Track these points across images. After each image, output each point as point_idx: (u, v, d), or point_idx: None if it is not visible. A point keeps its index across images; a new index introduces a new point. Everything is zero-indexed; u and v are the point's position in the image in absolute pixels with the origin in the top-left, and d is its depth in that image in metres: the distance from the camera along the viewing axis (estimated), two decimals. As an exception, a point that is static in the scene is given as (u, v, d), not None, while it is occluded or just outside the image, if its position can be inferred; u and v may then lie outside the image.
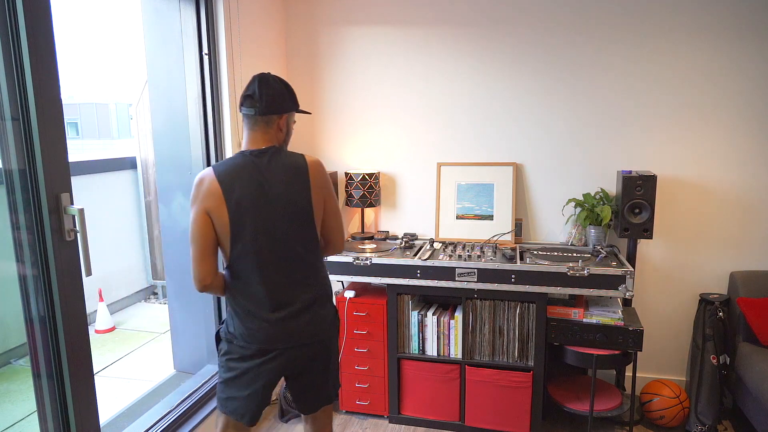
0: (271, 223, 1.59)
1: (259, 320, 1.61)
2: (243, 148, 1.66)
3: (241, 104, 1.64)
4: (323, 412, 1.86)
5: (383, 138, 3.04)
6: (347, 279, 2.68)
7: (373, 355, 2.73)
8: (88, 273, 1.57)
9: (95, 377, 1.71)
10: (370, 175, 2.92)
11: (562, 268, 2.38)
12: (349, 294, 2.72)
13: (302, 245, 1.64)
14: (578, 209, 2.77)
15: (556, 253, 2.60)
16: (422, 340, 2.66)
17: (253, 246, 1.58)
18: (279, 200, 1.59)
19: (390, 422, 2.76)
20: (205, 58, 2.41)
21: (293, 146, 2.18)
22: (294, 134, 3.17)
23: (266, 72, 1.66)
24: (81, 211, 1.53)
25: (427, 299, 2.82)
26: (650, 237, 2.55)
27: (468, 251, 2.66)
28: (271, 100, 1.61)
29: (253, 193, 1.57)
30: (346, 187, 2.96)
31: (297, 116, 2.84)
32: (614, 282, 2.35)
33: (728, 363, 2.59)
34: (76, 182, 1.59)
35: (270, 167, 1.60)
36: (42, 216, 1.48)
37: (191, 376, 2.63)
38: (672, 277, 2.80)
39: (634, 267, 2.61)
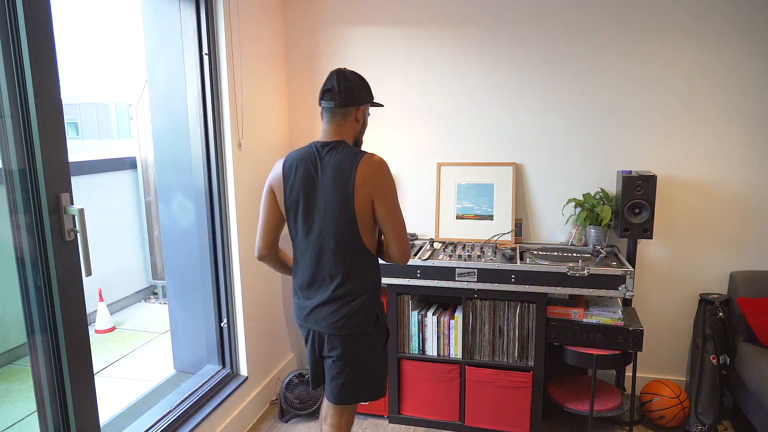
0: (313, 213, 1.70)
1: (297, 299, 1.81)
2: (317, 139, 1.75)
3: (321, 98, 1.72)
4: (339, 410, 1.83)
5: (383, 138, 3.04)
6: (347, 279, 2.67)
7: (373, 355, 2.73)
8: (88, 273, 1.57)
9: (95, 377, 1.71)
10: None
11: (562, 268, 2.38)
12: (349, 294, 2.71)
13: (336, 240, 1.68)
14: (578, 209, 2.77)
15: (556, 253, 2.60)
16: (422, 340, 2.66)
17: (297, 231, 1.74)
18: (323, 193, 1.67)
19: (390, 422, 2.76)
20: (205, 58, 2.41)
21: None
22: (296, 134, 3.18)
23: (342, 67, 1.75)
24: (81, 211, 1.53)
25: (427, 299, 2.82)
26: (650, 237, 2.55)
27: (468, 251, 2.66)
28: (349, 92, 1.69)
29: (304, 182, 1.69)
30: (346, 187, 2.95)
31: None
32: (614, 282, 2.35)
33: (728, 363, 2.59)
34: (76, 182, 1.59)
35: (326, 160, 1.68)
36: (42, 216, 1.48)
37: (191, 376, 2.63)
38: (672, 277, 2.80)
39: (634, 267, 2.61)
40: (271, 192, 1.77)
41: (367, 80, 1.78)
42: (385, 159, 1.72)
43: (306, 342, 1.84)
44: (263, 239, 1.81)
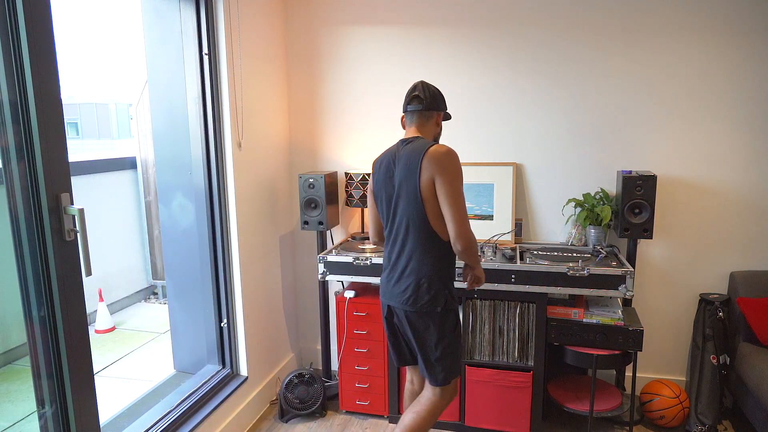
0: (392, 200, 1.94)
1: (382, 276, 2.05)
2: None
3: (408, 103, 1.97)
4: (421, 379, 2.10)
5: (383, 138, 3.04)
6: (347, 279, 2.68)
7: (373, 355, 2.73)
8: (88, 273, 1.57)
9: (95, 377, 1.71)
10: (371, 175, 2.92)
11: (562, 268, 2.38)
12: (349, 294, 2.72)
13: (408, 223, 1.89)
14: (578, 209, 2.77)
15: (556, 253, 2.60)
16: (422, 340, 2.66)
17: (383, 217, 2.01)
18: (398, 181, 1.90)
19: (390, 422, 2.76)
20: (205, 58, 2.41)
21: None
22: (296, 134, 3.18)
23: (422, 80, 2.06)
24: (81, 211, 1.53)
25: (427, 299, 2.82)
26: (650, 237, 2.55)
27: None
28: (433, 99, 1.96)
29: (385, 173, 1.96)
30: (346, 187, 2.96)
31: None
32: (614, 282, 2.35)
33: (728, 363, 2.59)
34: (76, 182, 1.59)
35: (402, 152, 1.92)
36: (42, 216, 1.48)
37: (191, 376, 2.63)
38: (672, 277, 2.80)
39: (634, 267, 2.61)
40: (370, 188, 2.08)
41: (440, 91, 2.03)
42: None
43: (384, 318, 2.06)
44: (373, 229, 2.14)
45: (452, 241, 1.84)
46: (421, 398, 2.03)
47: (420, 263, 1.88)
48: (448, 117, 2.08)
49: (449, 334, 1.93)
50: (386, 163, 1.96)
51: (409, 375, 2.19)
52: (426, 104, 1.95)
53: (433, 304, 1.88)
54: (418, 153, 1.84)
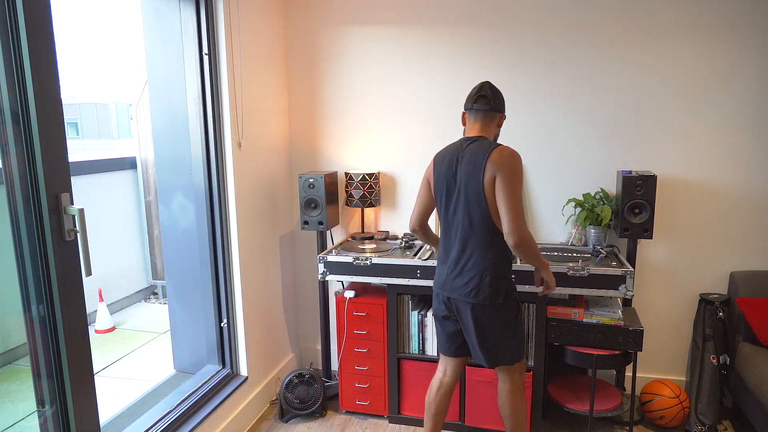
0: (453, 195, 2.02)
1: (438, 268, 2.13)
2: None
3: (474, 102, 2.03)
4: (498, 370, 2.13)
5: (383, 138, 3.04)
6: (347, 279, 2.68)
7: (373, 355, 2.74)
8: (88, 273, 1.57)
9: (95, 377, 1.71)
10: (370, 175, 2.92)
11: (562, 268, 2.38)
12: (349, 294, 2.72)
13: (469, 218, 1.98)
14: (578, 209, 2.77)
15: (556, 253, 2.60)
16: (422, 340, 2.66)
17: (442, 210, 2.08)
18: (461, 176, 1.98)
19: (390, 422, 2.76)
20: (205, 58, 2.41)
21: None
22: (296, 134, 3.18)
23: (487, 80, 2.07)
24: (81, 211, 1.53)
25: (427, 299, 2.82)
26: (650, 237, 2.55)
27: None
28: (497, 100, 2.03)
29: (447, 170, 2.03)
30: (346, 187, 2.96)
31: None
32: (614, 282, 2.35)
33: (728, 363, 2.59)
34: (76, 182, 1.59)
35: (466, 151, 1.99)
36: (42, 216, 1.48)
37: (191, 376, 2.63)
38: (672, 277, 2.80)
39: (634, 267, 2.61)
40: (426, 180, 2.16)
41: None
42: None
43: (439, 310, 2.13)
44: (417, 217, 2.20)
45: (505, 236, 1.91)
46: (500, 392, 2.15)
47: (482, 257, 1.97)
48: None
49: (512, 321, 2.04)
50: (449, 159, 2.03)
51: (443, 366, 2.23)
52: (492, 105, 2.01)
53: (494, 296, 1.98)
54: (483, 152, 1.93)
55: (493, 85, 2.04)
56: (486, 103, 2.01)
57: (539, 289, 2.15)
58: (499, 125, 2.07)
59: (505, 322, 2.02)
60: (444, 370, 2.23)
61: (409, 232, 3.06)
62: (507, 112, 2.85)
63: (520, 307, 2.09)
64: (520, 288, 2.42)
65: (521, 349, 2.12)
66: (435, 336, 2.63)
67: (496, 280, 1.98)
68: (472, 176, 1.94)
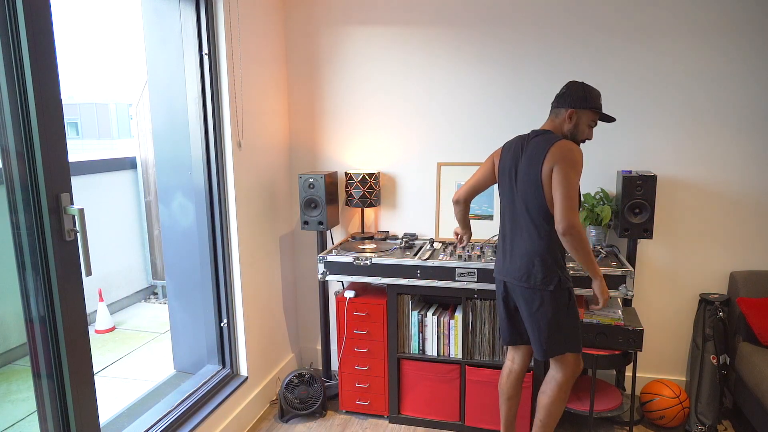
0: (514, 181, 2.07)
1: (498, 253, 2.19)
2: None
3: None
4: (551, 361, 2.12)
5: (383, 138, 3.04)
6: (347, 279, 2.68)
7: (373, 355, 2.74)
8: (88, 273, 1.57)
9: (95, 377, 1.71)
10: (370, 175, 2.92)
11: (562, 268, 2.38)
12: (349, 294, 2.72)
13: (527, 205, 2.02)
14: (578, 209, 2.77)
15: (556, 253, 2.59)
16: (422, 340, 2.66)
17: (503, 195, 2.15)
18: (522, 167, 2.04)
19: (390, 422, 2.76)
20: (205, 58, 2.41)
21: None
22: (296, 134, 3.18)
23: (581, 81, 2.09)
24: (81, 211, 1.53)
25: (427, 299, 2.82)
26: (650, 237, 2.55)
27: (468, 251, 2.66)
28: (560, 96, 2.07)
29: (512, 158, 2.10)
30: (346, 187, 2.96)
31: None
32: (614, 282, 2.35)
33: (728, 363, 2.59)
34: (76, 182, 1.59)
35: (531, 142, 2.05)
36: (42, 216, 1.48)
37: (191, 376, 2.63)
38: (672, 277, 2.80)
39: (634, 267, 2.61)
40: (491, 161, 2.22)
41: (589, 92, 2.03)
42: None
43: (498, 294, 2.20)
44: (465, 190, 2.28)
45: (555, 223, 1.92)
46: (548, 379, 2.15)
47: (534, 244, 2.01)
48: (606, 118, 2.09)
49: (563, 310, 2.03)
50: (514, 148, 2.10)
51: (511, 354, 2.28)
52: (554, 102, 2.09)
53: (545, 282, 1.99)
54: (545, 144, 1.99)
55: (573, 83, 2.07)
56: (555, 99, 2.09)
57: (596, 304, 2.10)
58: (570, 119, 2.04)
59: (555, 310, 2.01)
60: (512, 357, 2.28)
61: (409, 232, 3.07)
62: (512, 110, 2.85)
63: (573, 298, 2.07)
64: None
65: (575, 341, 2.07)
66: (435, 336, 2.63)
67: (547, 266, 1.99)
68: (532, 166, 1.99)
